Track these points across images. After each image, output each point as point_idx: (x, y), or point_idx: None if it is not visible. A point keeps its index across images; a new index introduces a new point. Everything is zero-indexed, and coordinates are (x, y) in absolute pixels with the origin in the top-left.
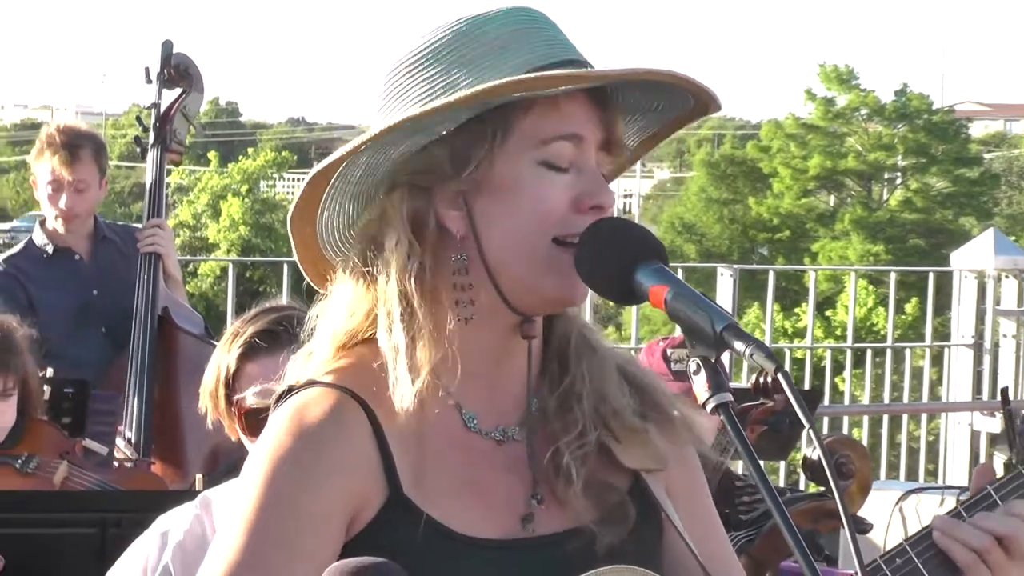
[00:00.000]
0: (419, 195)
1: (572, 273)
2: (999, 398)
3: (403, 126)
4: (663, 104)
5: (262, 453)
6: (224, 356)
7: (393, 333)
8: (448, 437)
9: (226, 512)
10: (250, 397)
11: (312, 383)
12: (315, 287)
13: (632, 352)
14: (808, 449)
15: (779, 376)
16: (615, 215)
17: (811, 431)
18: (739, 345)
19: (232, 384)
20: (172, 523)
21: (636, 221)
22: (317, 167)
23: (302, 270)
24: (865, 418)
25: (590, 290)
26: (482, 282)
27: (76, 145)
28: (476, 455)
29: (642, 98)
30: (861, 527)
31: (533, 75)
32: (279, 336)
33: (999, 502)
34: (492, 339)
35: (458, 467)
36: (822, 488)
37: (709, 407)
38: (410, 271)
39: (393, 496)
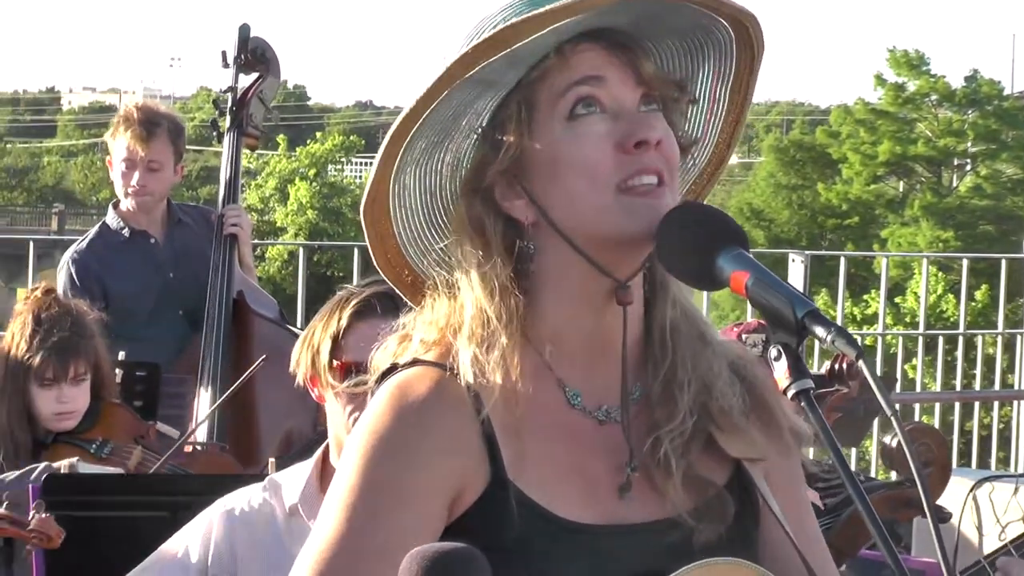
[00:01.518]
0: (477, 198)
1: (650, 198)
2: None
3: (415, 117)
4: (709, 50)
5: (364, 431)
6: (334, 315)
7: (469, 331)
8: (551, 415)
9: (293, 492)
10: (355, 352)
11: (415, 361)
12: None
13: None
14: (887, 437)
15: (860, 363)
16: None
17: (894, 418)
18: (821, 331)
19: (340, 339)
20: (239, 502)
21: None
22: (364, 195)
23: (403, 295)
24: (936, 406)
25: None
26: (563, 254)
27: (153, 123)
28: (578, 435)
29: (675, 42)
30: (941, 515)
31: (506, 24)
32: (395, 301)
33: None
34: (588, 312)
35: (560, 447)
36: (898, 477)
37: (790, 393)
38: (479, 274)
39: (495, 478)
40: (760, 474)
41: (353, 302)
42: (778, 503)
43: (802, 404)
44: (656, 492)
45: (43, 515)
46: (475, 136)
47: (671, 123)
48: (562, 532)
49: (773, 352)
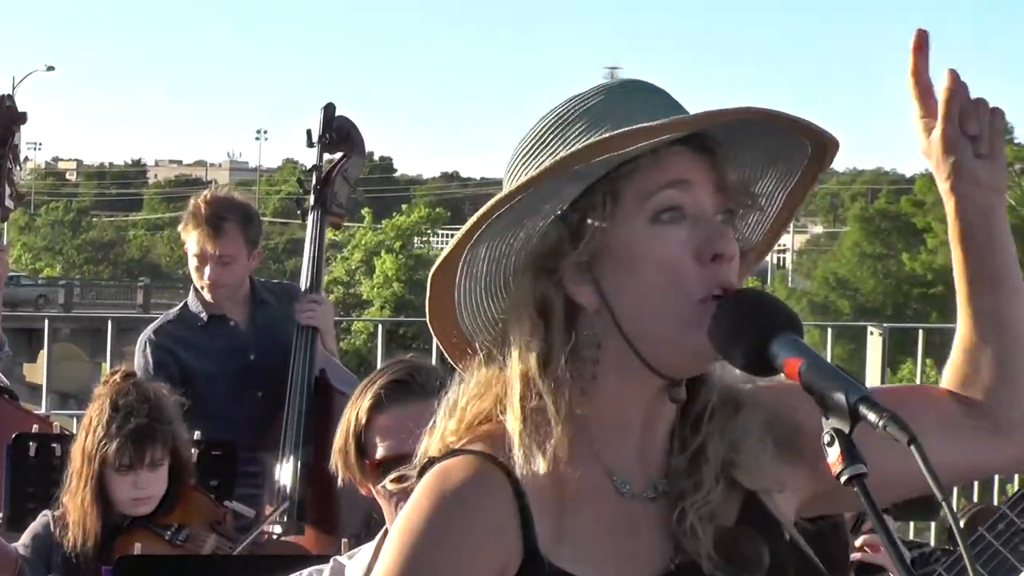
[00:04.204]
0: (544, 277)
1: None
2: None
3: (503, 205)
4: (781, 156)
5: (405, 521)
6: (353, 411)
7: (514, 413)
8: (597, 501)
9: (355, 574)
10: (381, 448)
11: (454, 451)
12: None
13: None
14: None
15: (912, 448)
16: (757, 281)
17: (944, 503)
18: (873, 417)
19: (363, 437)
20: None
21: (790, 275)
22: (437, 261)
23: (446, 354)
24: (1015, 476)
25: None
26: (622, 350)
27: (221, 218)
28: (629, 516)
29: (756, 151)
30: None
31: (620, 131)
32: (409, 386)
33: None
34: (641, 406)
35: (606, 528)
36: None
37: (843, 479)
38: (537, 353)
39: (527, 556)
40: (791, 505)
41: (368, 396)
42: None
43: (855, 489)
44: (695, 561)
45: None
46: (553, 217)
47: (733, 227)
48: None
49: (826, 438)
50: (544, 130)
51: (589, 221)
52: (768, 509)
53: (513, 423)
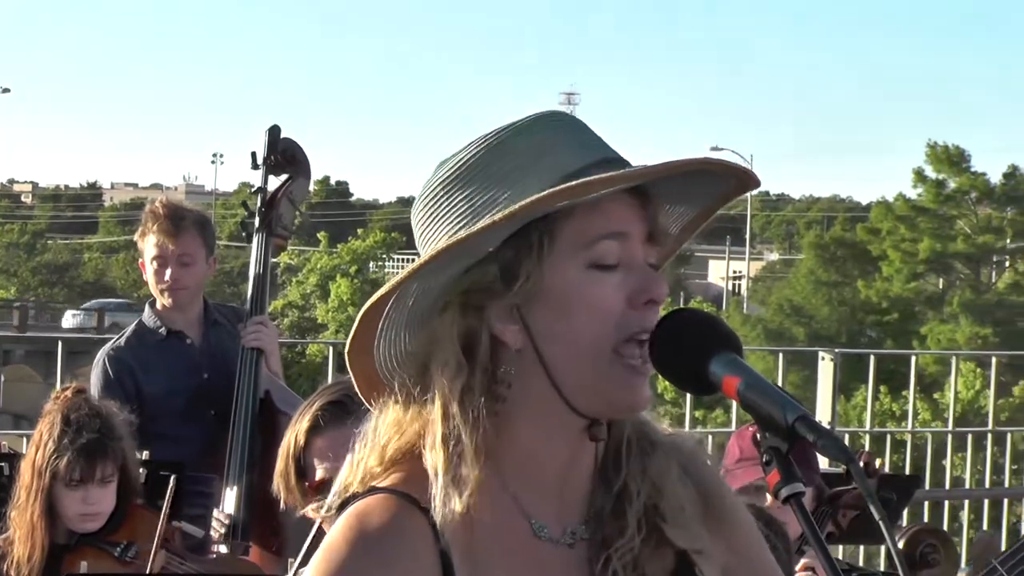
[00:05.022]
0: (471, 313)
1: (636, 379)
2: None
3: (451, 252)
4: (702, 189)
5: (324, 563)
6: (293, 433)
7: (434, 452)
8: (516, 545)
9: None
10: (320, 470)
11: (372, 490)
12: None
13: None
14: (898, 537)
15: (850, 468)
16: (685, 302)
17: (881, 522)
18: (810, 436)
19: (302, 460)
20: None
21: (745, 301)
22: (369, 301)
23: (363, 399)
24: (966, 501)
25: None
26: (545, 390)
27: (180, 217)
28: (546, 562)
29: (681, 186)
30: None
31: (571, 184)
32: (347, 407)
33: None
34: (561, 444)
35: (523, 573)
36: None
37: (781, 497)
38: (457, 390)
39: None
40: (715, 571)
41: (306, 419)
42: None
43: (792, 507)
44: None
45: None
46: (483, 253)
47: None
48: None
49: (764, 457)
50: (484, 175)
51: (522, 264)
52: (697, 572)
53: (432, 460)
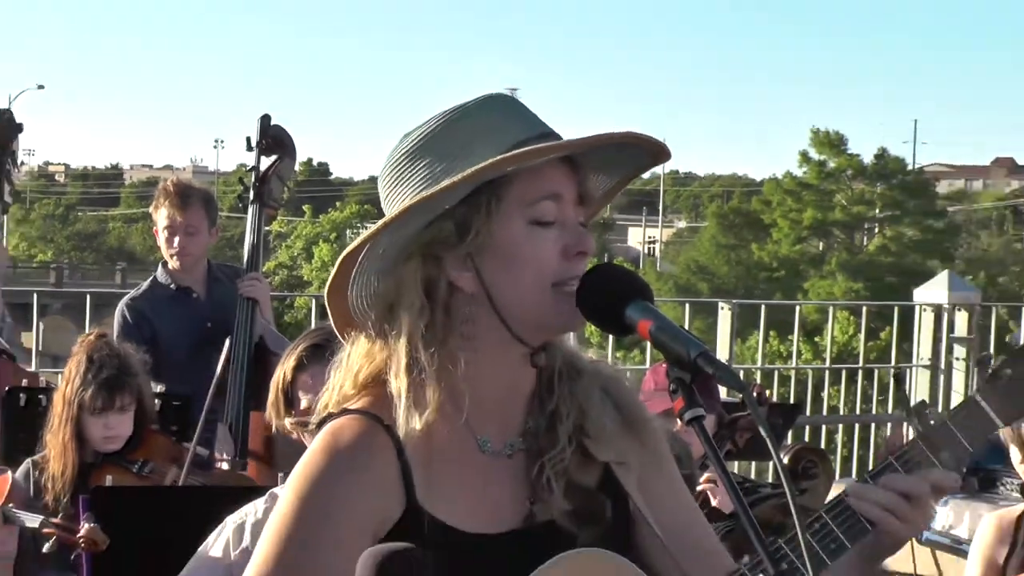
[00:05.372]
0: (431, 263)
1: (571, 309)
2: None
3: (416, 208)
4: (624, 158)
5: (303, 469)
6: (281, 370)
7: (399, 379)
8: (463, 457)
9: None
10: (304, 400)
11: (345, 411)
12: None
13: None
14: (783, 454)
15: (745, 397)
16: (609, 260)
17: (768, 439)
18: (710, 369)
19: (289, 392)
20: (247, 514)
21: (659, 261)
22: (347, 250)
23: (338, 334)
24: (840, 425)
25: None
26: (494, 326)
27: (186, 195)
28: (489, 470)
29: (604, 158)
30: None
31: (518, 151)
32: (325, 349)
33: (899, 469)
34: (506, 371)
35: (471, 481)
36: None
37: (685, 420)
38: (420, 328)
39: (409, 506)
40: (632, 480)
41: (292, 358)
42: (665, 509)
43: (694, 429)
44: (548, 507)
45: (91, 524)
46: (441, 210)
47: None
48: (465, 543)
49: (671, 386)
50: (442, 145)
51: (475, 220)
52: (619, 481)
53: (397, 385)
